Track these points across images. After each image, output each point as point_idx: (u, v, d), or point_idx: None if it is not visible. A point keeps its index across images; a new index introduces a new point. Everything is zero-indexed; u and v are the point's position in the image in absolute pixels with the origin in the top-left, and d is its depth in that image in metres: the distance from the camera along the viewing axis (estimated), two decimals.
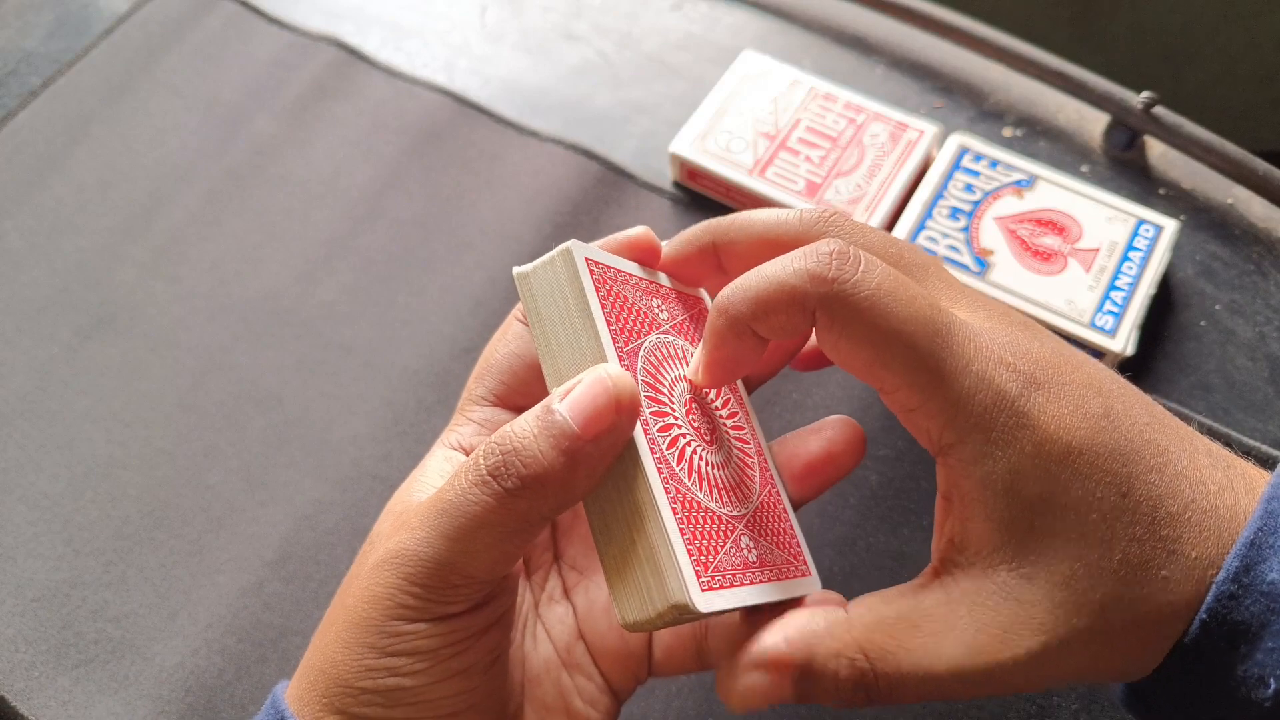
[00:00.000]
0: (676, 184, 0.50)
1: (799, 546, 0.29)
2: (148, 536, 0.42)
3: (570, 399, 0.24)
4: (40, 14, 0.59)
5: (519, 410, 0.29)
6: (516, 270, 0.27)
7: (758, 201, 0.47)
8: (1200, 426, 0.42)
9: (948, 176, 0.46)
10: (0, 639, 0.40)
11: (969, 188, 0.46)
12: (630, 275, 0.28)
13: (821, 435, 0.30)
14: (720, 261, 0.29)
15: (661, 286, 0.29)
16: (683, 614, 0.23)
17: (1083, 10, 1.02)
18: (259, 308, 0.48)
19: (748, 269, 0.28)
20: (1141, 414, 0.25)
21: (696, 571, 0.24)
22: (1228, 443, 0.41)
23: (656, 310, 0.28)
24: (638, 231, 0.29)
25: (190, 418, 0.45)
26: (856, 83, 0.53)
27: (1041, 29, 1.03)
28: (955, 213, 0.45)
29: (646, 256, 0.29)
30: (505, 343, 0.30)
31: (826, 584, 0.36)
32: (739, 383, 0.31)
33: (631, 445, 0.25)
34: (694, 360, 0.28)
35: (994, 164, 0.47)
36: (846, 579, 0.39)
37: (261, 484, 0.43)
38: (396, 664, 0.25)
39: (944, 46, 0.54)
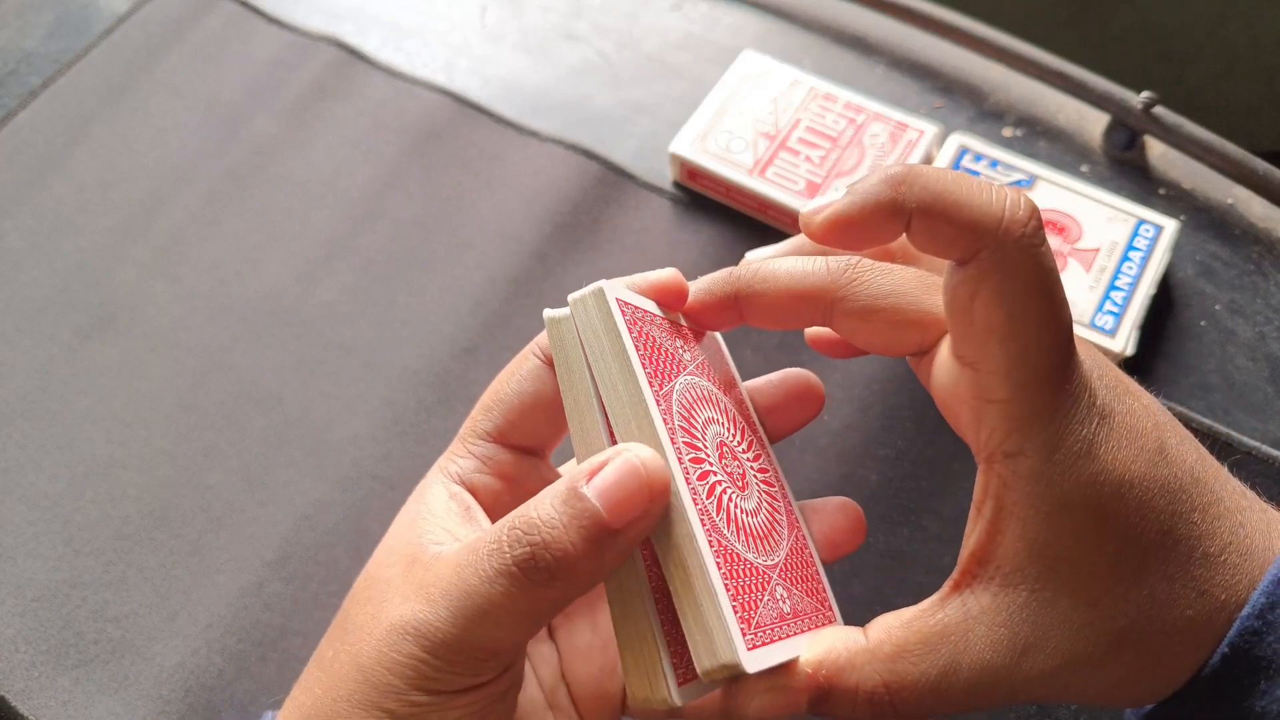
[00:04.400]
0: (676, 184, 0.50)
1: (825, 593, 0.28)
2: (148, 536, 0.42)
3: (600, 485, 0.23)
4: (40, 14, 0.59)
5: (520, 449, 0.29)
6: (548, 314, 0.26)
7: (758, 201, 0.47)
8: (1200, 426, 0.42)
9: None
10: (0, 639, 0.40)
11: None
12: (654, 315, 0.27)
13: (824, 514, 0.30)
14: (741, 313, 0.28)
15: (679, 325, 0.29)
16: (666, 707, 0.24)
17: (1083, 10, 1.02)
18: (259, 308, 0.48)
19: (772, 321, 0.28)
20: (1190, 450, 0.25)
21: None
22: (1228, 443, 0.41)
23: (681, 351, 0.28)
24: (667, 274, 0.28)
25: (190, 418, 0.45)
26: (856, 83, 0.53)
27: (1041, 29, 1.03)
28: None
29: (675, 300, 0.28)
30: (519, 379, 0.28)
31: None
32: (763, 431, 0.30)
33: (633, 560, 0.25)
34: (814, 204, 0.25)
35: (994, 164, 0.47)
36: (846, 579, 0.39)
37: (261, 484, 0.43)
38: None
39: (944, 46, 0.54)
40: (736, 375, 0.31)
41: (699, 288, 0.28)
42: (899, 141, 0.48)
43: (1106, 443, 0.24)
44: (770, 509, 0.28)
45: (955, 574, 0.25)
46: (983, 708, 0.24)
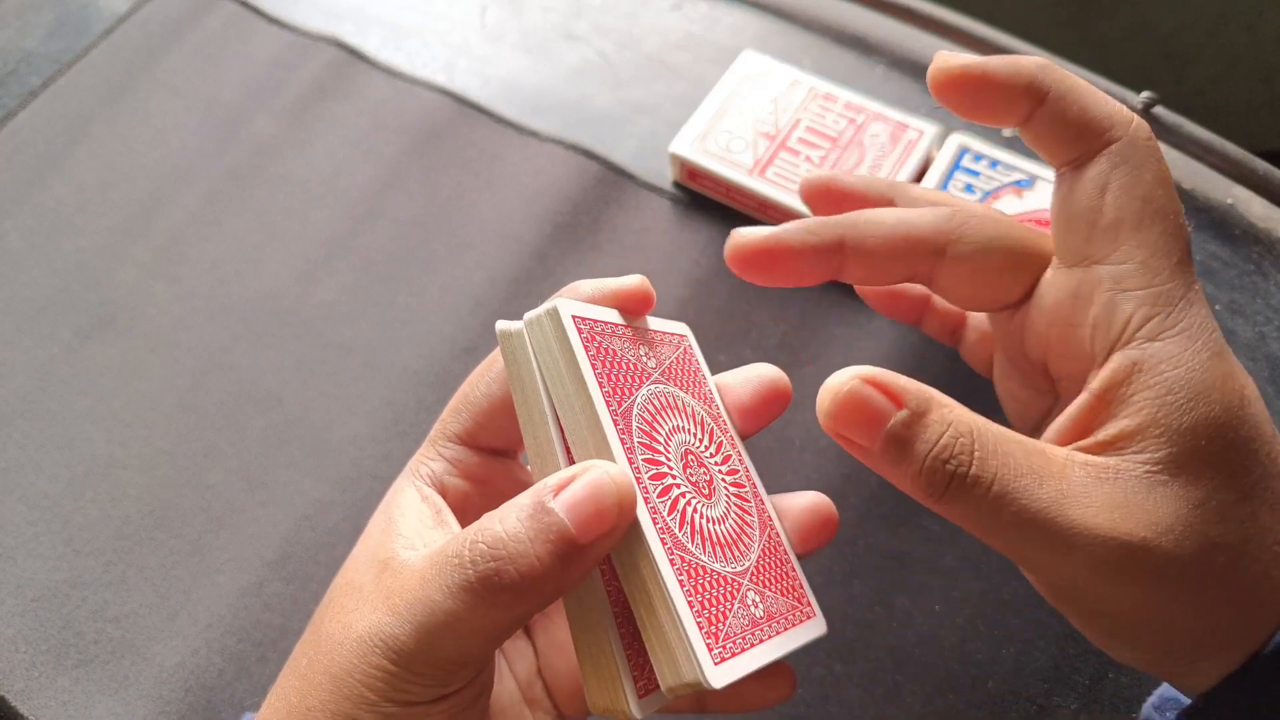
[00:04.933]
0: (676, 184, 0.50)
1: (802, 588, 0.28)
2: (148, 536, 0.42)
3: (568, 499, 0.23)
4: (40, 14, 0.59)
5: (489, 451, 0.29)
6: (500, 326, 0.26)
7: (758, 201, 0.47)
8: None
9: (948, 176, 0.46)
10: (0, 639, 0.40)
11: (969, 188, 0.46)
12: (616, 325, 0.27)
13: (794, 513, 0.29)
14: (843, 261, 0.27)
15: (645, 331, 0.28)
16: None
17: (1083, 10, 1.02)
18: (259, 308, 0.48)
19: (875, 270, 0.27)
20: None
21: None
22: None
23: (644, 359, 0.27)
24: (634, 282, 0.28)
25: (190, 418, 0.45)
26: (856, 83, 0.53)
27: (1041, 29, 1.03)
28: None
29: (640, 307, 0.28)
30: (488, 382, 0.29)
31: (826, 583, 0.37)
32: (733, 428, 0.30)
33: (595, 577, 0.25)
34: (952, 53, 0.26)
35: (994, 164, 0.47)
36: (846, 579, 0.39)
37: (261, 484, 0.43)
38: None
39: (944, 46, 0.54)
40: (707, 373, 0.30)
41: (796, 228, 0.27)
42: (899, 141, 0.48)
43: (1232, 355, 0.24)
44: (739, 512, 0.27)
45: (1066, 425, 0.25)
46: (1041, 553, 0.23)
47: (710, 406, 0.29)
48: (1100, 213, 0.24)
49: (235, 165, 0.52)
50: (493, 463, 0.29)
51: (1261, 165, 0.46)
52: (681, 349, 0.30)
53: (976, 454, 0.22)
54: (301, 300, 0.48)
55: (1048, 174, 0.46)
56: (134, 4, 0.59)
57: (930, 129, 0.48)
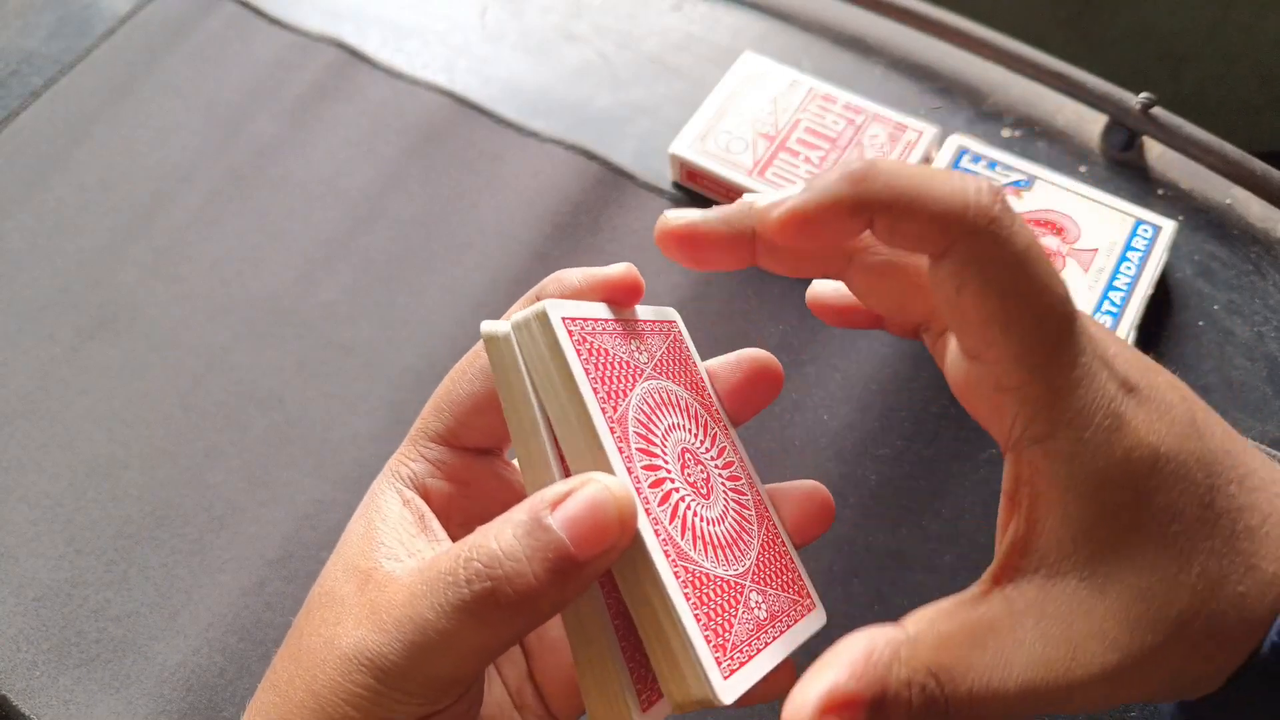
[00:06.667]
0: (676, 184, 0.50)
1: (801, 580, 0.28)
2: (149, 536, 0.42)
3: (566, 515, 0.22)
4: (42, 14, 0.60)
5: (473, 450, 0.28)
6: (485, 328, 0.25)
7: None
8: None
9: None
10: (2, 638, 0.40)
11: None
12: (606, 321, 0.26)
13: (792, 502, 0.29)
14: (755, 252, 0.25)
15: (634, 322, 0.27)
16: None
17: (1081, 11, 1.02)
18: (259, 308, 0.48)
19: (782, 267, 0.25)
20: (1217, 423, 0.24)
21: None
22: None
23: (636, 354, 0.26)
24: (621, 270, 0.27)
25: (191, 418, 0.45)
26: (856, 83, 0.53)
27: (1040, 30, 1.04)
28: None
29: (628, 297, 0.27)
30: (470, 379, 0.27)
31: (826, 583, 0.37)
32: (725, 416, 0.29)
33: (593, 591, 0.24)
34: (769, 198, 0.23)
35: (992, 165, 0.47)
36: (846, 579, 0.39)
37: (263, 483, 0.43)
38: None
39: (943, 47, 0.54)
40: (697, 359, 0.29)
41: (716, 217, 0.25)
42: (898, 142, 0.48)
43: (1136, 415, 0.23)
44: (737, 508, 0.27)
45: (993, 567, 0.24)
46: (1043, 712, 0.23)
47: (703, 395, 0.29)
48: (964, 312, 0.23)
49: (236, 165, 0.52)
50: (476, 462, 0.28)
51: (1260, 166, 0.46)
52: (671, 337, 0.29)
53: (943, 691, 0.22)
54: (302, 300, 0.48)
55: (1048, 175, 0.46)
56: (135, 5, 0.59)
57: (929, 130, 0.48)
